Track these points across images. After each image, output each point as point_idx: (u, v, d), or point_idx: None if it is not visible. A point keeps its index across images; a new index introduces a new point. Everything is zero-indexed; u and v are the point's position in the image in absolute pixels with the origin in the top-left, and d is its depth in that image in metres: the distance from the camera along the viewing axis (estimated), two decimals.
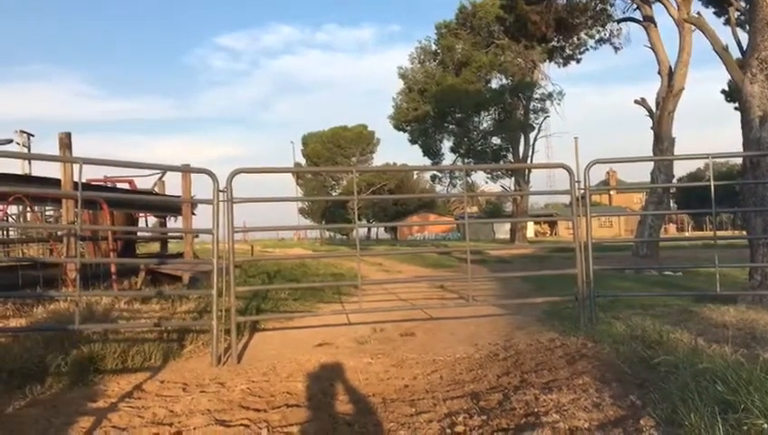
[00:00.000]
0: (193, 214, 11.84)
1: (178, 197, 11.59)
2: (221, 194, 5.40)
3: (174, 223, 13.72)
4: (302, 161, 64.88)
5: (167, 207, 13.07)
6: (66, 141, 8.57)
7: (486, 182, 54.03)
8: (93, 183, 12.55)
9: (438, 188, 51.93)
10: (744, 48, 9.96)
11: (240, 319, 5.76)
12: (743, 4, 14.56)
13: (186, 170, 9.02)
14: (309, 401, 4.00)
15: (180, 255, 11.90)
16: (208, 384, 4.48)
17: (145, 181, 14.66)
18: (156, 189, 14.11)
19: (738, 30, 14.21)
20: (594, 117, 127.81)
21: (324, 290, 9.67)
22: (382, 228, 75.14)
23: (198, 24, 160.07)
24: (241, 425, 3.49)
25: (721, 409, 2.75)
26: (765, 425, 2.52)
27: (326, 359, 5.28)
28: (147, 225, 14.96)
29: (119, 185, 14.18)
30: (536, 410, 3.40)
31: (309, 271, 13.13)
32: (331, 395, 4.17)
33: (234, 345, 5.37)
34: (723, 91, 27.50)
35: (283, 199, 9.65)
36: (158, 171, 13.69)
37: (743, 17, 14.88)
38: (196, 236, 12.24)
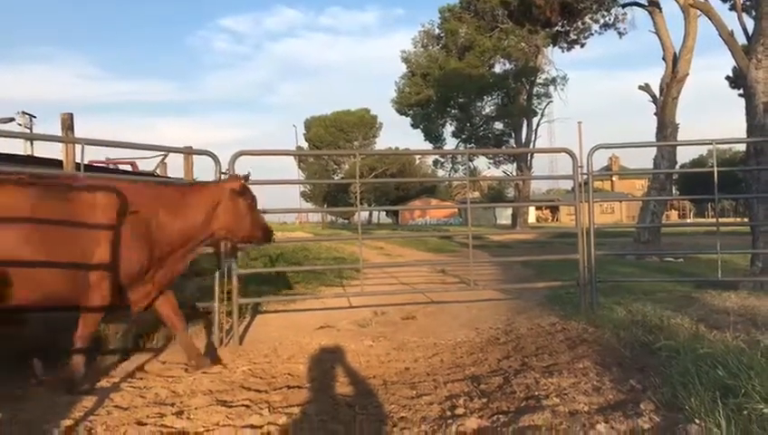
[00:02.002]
0: None
1: (181, 179, 11.57)
2: (223, 176, 5.39)
3: None
4: (305, 145, 64.62)
5: None
6: (68, 122, 8.49)
7: (489, 167, 53.67)
8: (95, 164, 12.51)
9: (440, 172, 51.77)
10: (750, 34, 9.86)
11: (242, 301, 5.77)
12: None
13: (188, 152, 8.96)
14: (310, 383, 4.02)
15: None
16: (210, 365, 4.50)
17: (147, 163, 14.62)
18: (158, 171, 14.07)
19: (744, 16, 14.06)
20: (597, 102, 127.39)
21: (326, 273, 9.68)
22: (384, 213, 75.08)
23: (202, 5, 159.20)
24: (242, 406, 3.51)
25: (721, 393, 2.76)
26: (766, 410, 2.53)
27: (327, 341, 5.31)
28: None
29: (121, 167, 14.14)
30: (537, 393, 3.42)
31: (311, 254, 13.14)
32: (332, 377, 4.19)
33: (235, 327, 5.39)
34: (727, 78, 27.30)
35: (286, 182, 9.64)
36: (161, 153, 13.64)
37: (749, 3, 14.70)
38: None
